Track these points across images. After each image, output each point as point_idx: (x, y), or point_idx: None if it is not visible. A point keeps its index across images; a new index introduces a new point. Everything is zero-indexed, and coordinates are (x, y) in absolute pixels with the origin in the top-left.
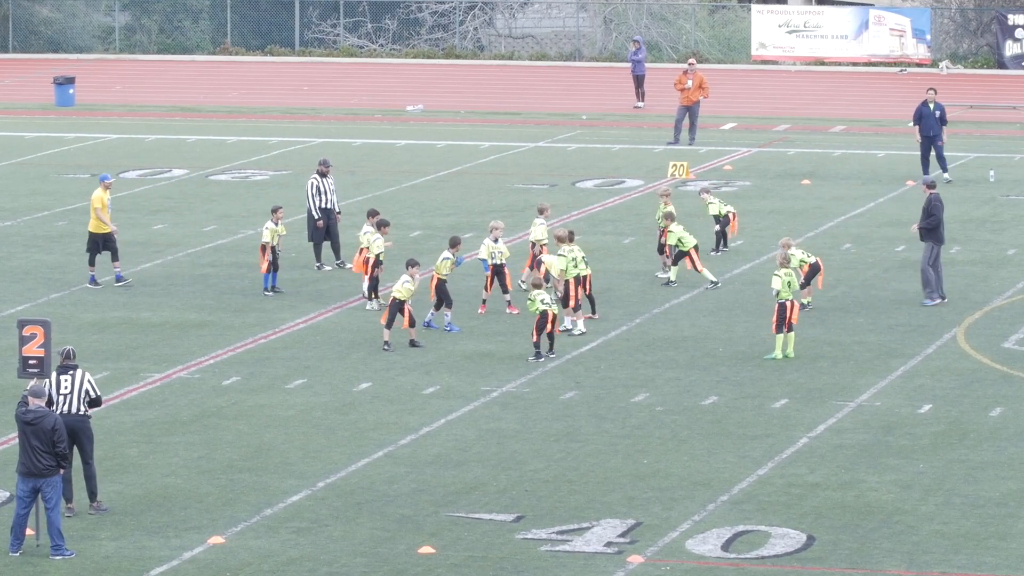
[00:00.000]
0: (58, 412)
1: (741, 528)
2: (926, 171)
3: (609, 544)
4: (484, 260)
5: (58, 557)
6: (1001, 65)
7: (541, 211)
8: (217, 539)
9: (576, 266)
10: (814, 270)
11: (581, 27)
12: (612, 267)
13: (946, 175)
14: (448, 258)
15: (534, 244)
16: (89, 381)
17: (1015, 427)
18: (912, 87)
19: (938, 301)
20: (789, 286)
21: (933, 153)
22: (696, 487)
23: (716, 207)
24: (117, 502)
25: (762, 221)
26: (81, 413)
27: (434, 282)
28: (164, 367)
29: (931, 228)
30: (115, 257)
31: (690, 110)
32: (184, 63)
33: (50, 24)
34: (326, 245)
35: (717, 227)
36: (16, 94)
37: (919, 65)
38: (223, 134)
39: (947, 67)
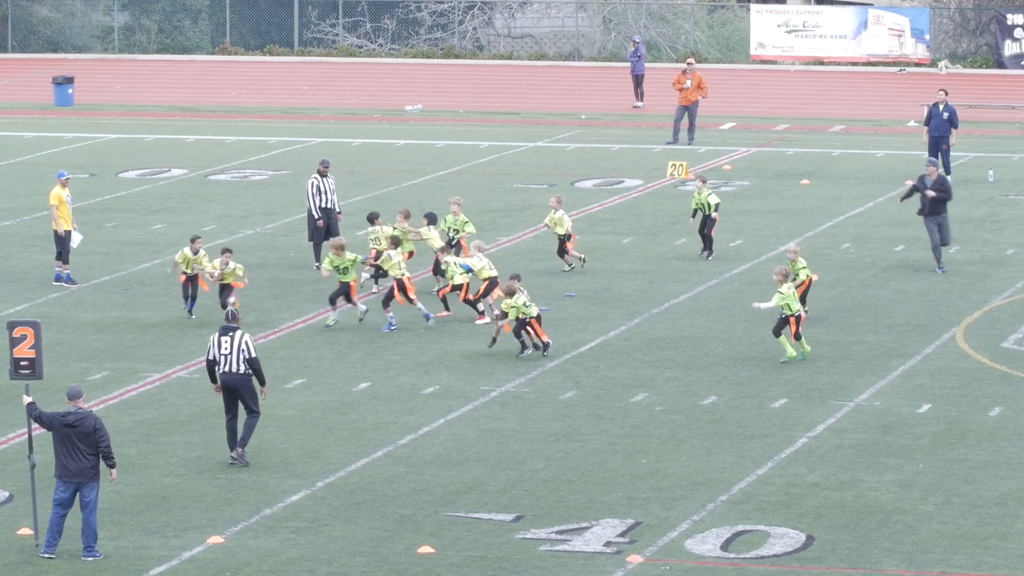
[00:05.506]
0: (220, 371)
1: (740, 528)
2: None
3: (608, 544)
4: (466, 265)
5: (89, 558)
6: (1000, 65)
7: (560, 202)
8: (216, 539)
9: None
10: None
11: (580, 27)
12: (611, 267)
13: (948, 178)
14: (450, 263)
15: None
16: (247, 342)
17: (1014, 427)
18: (911, 87)
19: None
20: (790, 305)
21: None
22: (695, 487)
23: (705, 195)
24: (116, 502)
25: (761, 221)
26: (241, 372)
27: (447, 290)
28: (163, 367)
29: None
30: (59, 256)
31: (689, 110)
32: (183, 63)
33: (49, 24)
34: (326, 245)
35: (692, 220)
36: (15, 94)
37: (918, 65)
38: (222, 134)
39: (946, 67)
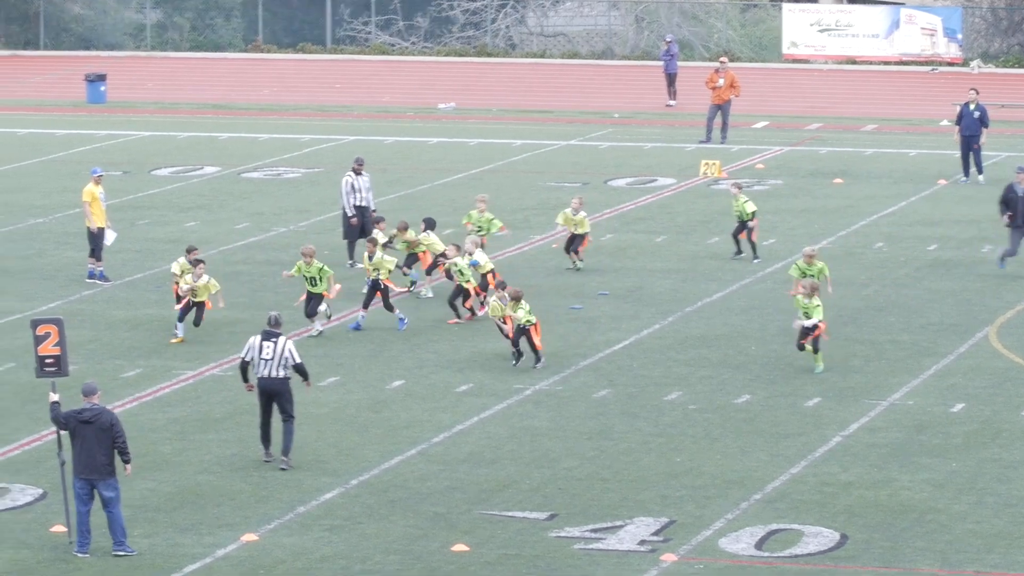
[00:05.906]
0: (259, 375)
1: (774, 527)
2: (966, 172)
3: (642, 542)
4: (474, 261)
5: (121, 554)
6: None
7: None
8: (250, 536)
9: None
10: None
11: (613, 25)
12: (644, 265)
13: (980, 177)
14: (459, 265)
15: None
16: (290, 350)
17: None
18: (943, 86)
19: None
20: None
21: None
22: (729, 485)
23: (752, 205)
24: (150, 499)
25: (794, 220)
26: (280, 377)
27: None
28: (196, 364)
29: None
30: (92, 253)
31: (721, 109)
32: (216, 60)
33: (81, 21)
34: (360, 243)
35: (738, 225)
36: (47, 91)
37: (950, 64)
38: (255, 131)
39: (978, 66)
